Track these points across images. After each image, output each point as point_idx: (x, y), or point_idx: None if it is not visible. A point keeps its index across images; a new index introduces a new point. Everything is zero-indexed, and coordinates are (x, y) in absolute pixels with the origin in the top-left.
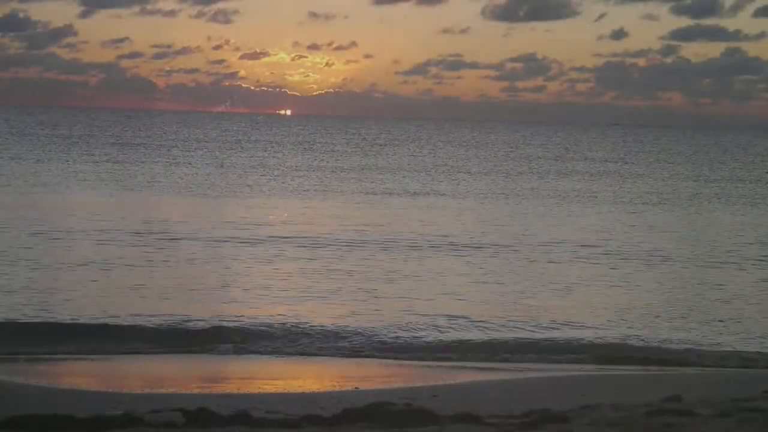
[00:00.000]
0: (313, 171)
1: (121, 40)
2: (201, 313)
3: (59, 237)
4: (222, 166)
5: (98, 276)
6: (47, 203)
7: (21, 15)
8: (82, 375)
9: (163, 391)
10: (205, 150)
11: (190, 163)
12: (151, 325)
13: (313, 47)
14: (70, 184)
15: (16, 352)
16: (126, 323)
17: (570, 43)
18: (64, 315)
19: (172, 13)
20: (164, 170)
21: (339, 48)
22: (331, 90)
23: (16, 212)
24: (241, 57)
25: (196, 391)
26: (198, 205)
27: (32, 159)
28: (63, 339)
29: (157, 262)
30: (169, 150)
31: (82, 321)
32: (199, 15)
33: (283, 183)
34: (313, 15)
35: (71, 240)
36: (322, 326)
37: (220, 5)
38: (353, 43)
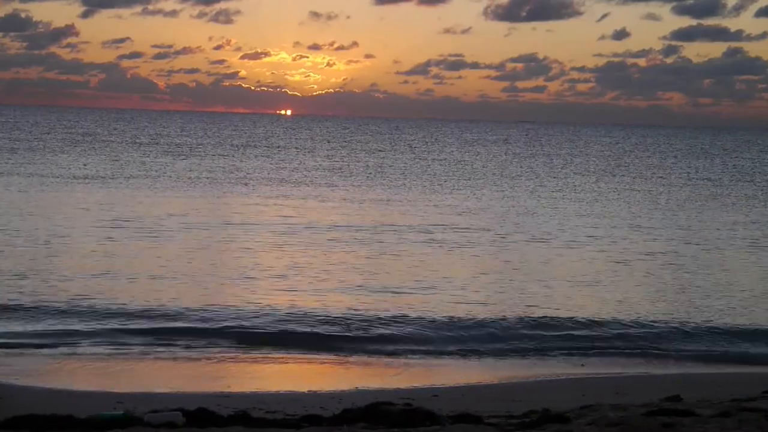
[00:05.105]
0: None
1: (122, 41)
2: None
3: None
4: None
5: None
6: None
7: (22, 15)
8: (82, 375)
9: (163, 391)
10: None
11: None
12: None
13: (314, 47)
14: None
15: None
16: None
17: (571, 43)
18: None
19: (173, 13)
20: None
21: (340, 48)
22: (332, 90)
23: None
24: (242, 57)
25: (196, 391)
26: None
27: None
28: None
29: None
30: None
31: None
32: (201, 15)
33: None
34: (315, 15)
35: None
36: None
37: (221, 5)
38: (354, 43)
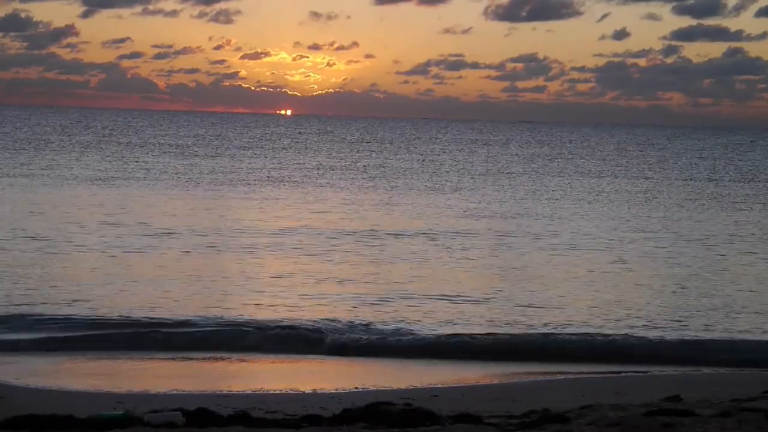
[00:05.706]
0: None
1: (122, 41)
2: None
3: None
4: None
5: None
6: None
7: (22, 15)
8: (82, 375)
9: (163, 391)
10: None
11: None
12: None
13: (314, 47)
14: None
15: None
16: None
17: (571, 43)
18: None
19: (173, 13)
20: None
21: (340, 48)
22: (332, 90)
23: None
24: (242, 57)
25: (196, 391)
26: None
27: None
28: None
29: None
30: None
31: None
32: (201, 15)
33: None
34: (315, 15)
35: None
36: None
37: (221, 5)
38: (354, 43)
